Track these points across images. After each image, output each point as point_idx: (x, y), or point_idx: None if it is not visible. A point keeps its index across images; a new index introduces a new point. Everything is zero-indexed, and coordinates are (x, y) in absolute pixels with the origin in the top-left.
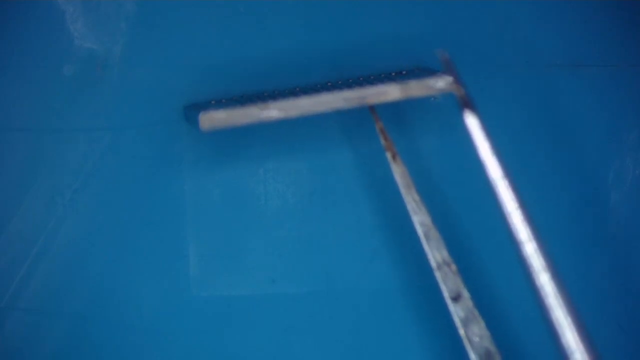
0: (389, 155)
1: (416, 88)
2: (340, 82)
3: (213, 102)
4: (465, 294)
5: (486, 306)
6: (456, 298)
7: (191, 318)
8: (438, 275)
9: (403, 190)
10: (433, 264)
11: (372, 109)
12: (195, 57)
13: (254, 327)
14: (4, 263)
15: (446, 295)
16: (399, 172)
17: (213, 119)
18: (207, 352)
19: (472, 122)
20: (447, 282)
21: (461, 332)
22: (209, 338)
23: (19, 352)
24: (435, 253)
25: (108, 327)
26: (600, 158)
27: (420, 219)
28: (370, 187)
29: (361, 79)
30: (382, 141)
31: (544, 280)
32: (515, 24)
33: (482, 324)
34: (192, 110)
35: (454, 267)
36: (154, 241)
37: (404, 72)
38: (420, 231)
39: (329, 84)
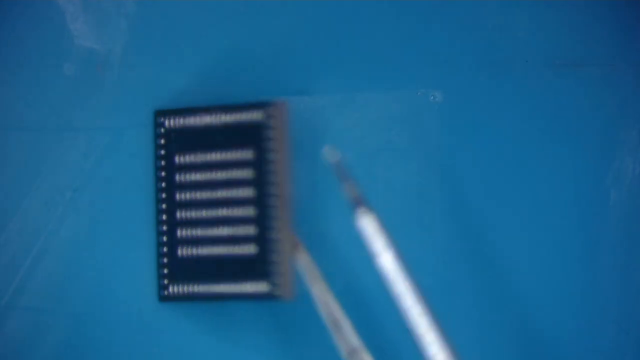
0: (291, 247)
1: None
2: None
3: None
4: None
5: None
6: None
7: (192, 317)
8: None
9: (309, 282)
10: (343, 353)
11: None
12: (195, 57)
13: (254, 326)
14: (5, 262)
15: None
16: (304, 263)
17: None
18: (206, 351)
19: (367, 223)
20: None
21: None
22: (209, 337)
23: (19, 350)
24: (344, 343)
25: (108, 327)
26: (600, 158)
27: (327, 310)
28: (369, 187)
29: None
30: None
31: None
32: (515, 24)
33: None
34: None
35: (365, 356)
36: (155, 241)
37: None
38: (328, 321)
39: None
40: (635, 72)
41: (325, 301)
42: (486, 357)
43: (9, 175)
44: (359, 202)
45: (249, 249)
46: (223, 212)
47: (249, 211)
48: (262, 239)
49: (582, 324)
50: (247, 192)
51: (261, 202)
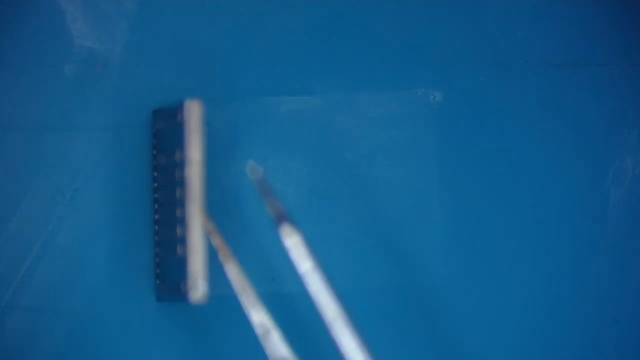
0: (221, 256)
1: None
2: None
3: None
4: None
5: None
6: None
7: (191, 317)
8: None
9: (238, 292)
10: None
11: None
12: (195, 57)
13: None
14: (4, 262)
15: None
16: (233, 273)
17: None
18: (206, 350)
19: (293, 241)
20: None
21: None
22: (209, 337)
23: (19, 350)
24: (274, 353)
25: (108, 327)
26: (600, 158)
27: (257, 319)
28: (369, 187)
29: None
30: (214, 242)
31: None
32: (515, 24)
33: None
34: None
35: None
36: (154, 240)
37: None
38: (258, 331)
39: None
40: (635, 72)
41: (254, 310)
42: (484, 355)
43: (8, 176)
44: (283, 219)
45: (180, 251)
46: (170, 213)
47: (180, 212)
48: (184, 241)
49: (581, 323)
50: (180, 193)
51: (183, 203)
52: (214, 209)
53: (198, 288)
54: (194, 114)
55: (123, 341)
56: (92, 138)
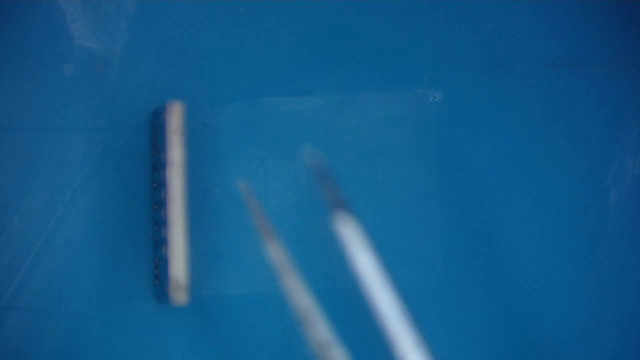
0: (263, 235)
1: None
2: None
3: None
4: None
5: None
6: None
7: (191, 317)
8: (319, 356)
9: (280, 272)
10: (313, 346)
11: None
12: (195, 57)
13: (254, 326)
14: (4, 263)
15: None
16: (275, 253)
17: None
18: (206, 351)
19: (349, 232)
20: None
21: None
22: (209, 337)
23: (19, 351)
24: (315, 335)
25: (108, 327)
26: (600, 158)
27: (298, 301)
28: (369, 186)
29: None
30: (256, 221)
31: None
32: (515, 24)
33: None
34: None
35: (336, 350)
36: (153, 240)
37: None
38: (299, 314)
39: None
40: (635, 72)
41: (296, 292)
42: (483, 356)
43: (8, 176)
44: (339, 205)
45: (163, 251)
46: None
47: (164, 214)
48: (166, 243)
49: (582, 324)
50: (163, 195)
51: (165, 204)
52: (213, 209)
53: (178, 290)
54: (175, 115)
55: (123, 341)
56: (92, 138)
